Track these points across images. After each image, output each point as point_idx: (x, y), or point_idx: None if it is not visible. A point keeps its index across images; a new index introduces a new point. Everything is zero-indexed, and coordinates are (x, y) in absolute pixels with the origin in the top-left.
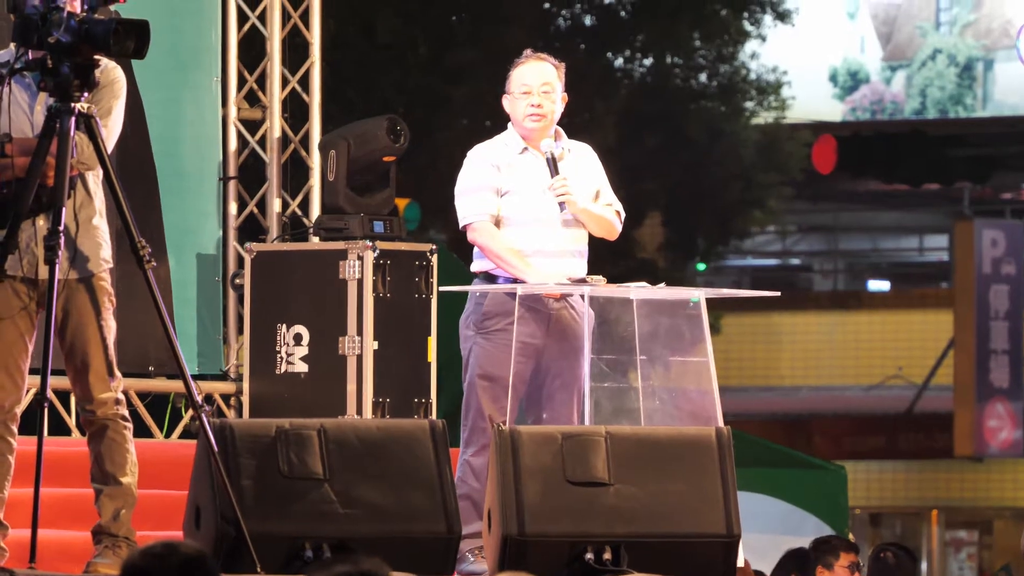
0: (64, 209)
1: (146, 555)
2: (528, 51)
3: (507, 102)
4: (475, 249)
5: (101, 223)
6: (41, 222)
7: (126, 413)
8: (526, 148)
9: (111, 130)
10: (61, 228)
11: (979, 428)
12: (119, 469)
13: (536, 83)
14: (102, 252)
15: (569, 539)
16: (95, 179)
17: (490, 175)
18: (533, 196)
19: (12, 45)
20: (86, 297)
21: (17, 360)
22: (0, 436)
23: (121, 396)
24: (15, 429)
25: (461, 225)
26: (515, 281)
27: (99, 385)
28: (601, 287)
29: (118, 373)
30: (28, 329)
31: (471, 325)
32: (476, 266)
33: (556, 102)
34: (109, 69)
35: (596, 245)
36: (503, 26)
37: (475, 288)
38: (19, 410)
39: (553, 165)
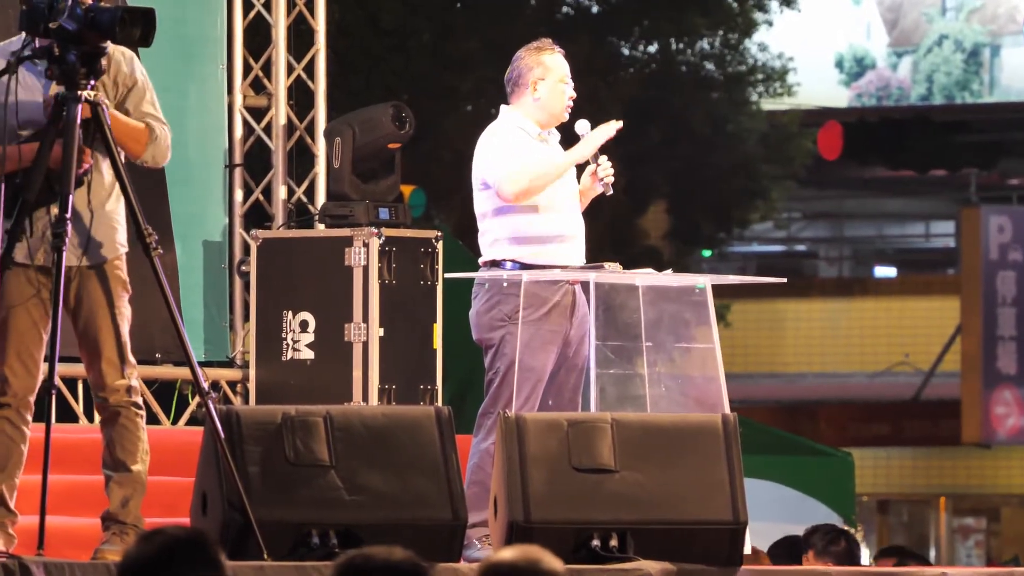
0: (73, 196)
1: (139, 542)
2: (547, 40)
3: (544, 88)
4: (489, 238)
5: (116, 206)
6: (56, 210)
7: (139, 401)
8: (540, 134)
9: (166, 126)
10: (68, 216)
11: (986, 415)
12: (129, 456)
13: (569, 74)
14: (117, 236)
15: (575, 526)
16: (108, 163)
17: (523, 148)
18: (557, 182)
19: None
20: (100, 284)
21: (31, 348)
22: (14, 425)
23: (135, 384)
24: (29, 418)
25: (496, 191)
26: (523, 267)
27: (111, 372)
28: (606, 273)
29: (132, 361)
30: (41, 318)
31: (503, 315)
32: (489, 255)
33: None
34: (126, 60)
35: (600, 233)
36: (507, 14)
37: (481, 275)
38: (32, 399)
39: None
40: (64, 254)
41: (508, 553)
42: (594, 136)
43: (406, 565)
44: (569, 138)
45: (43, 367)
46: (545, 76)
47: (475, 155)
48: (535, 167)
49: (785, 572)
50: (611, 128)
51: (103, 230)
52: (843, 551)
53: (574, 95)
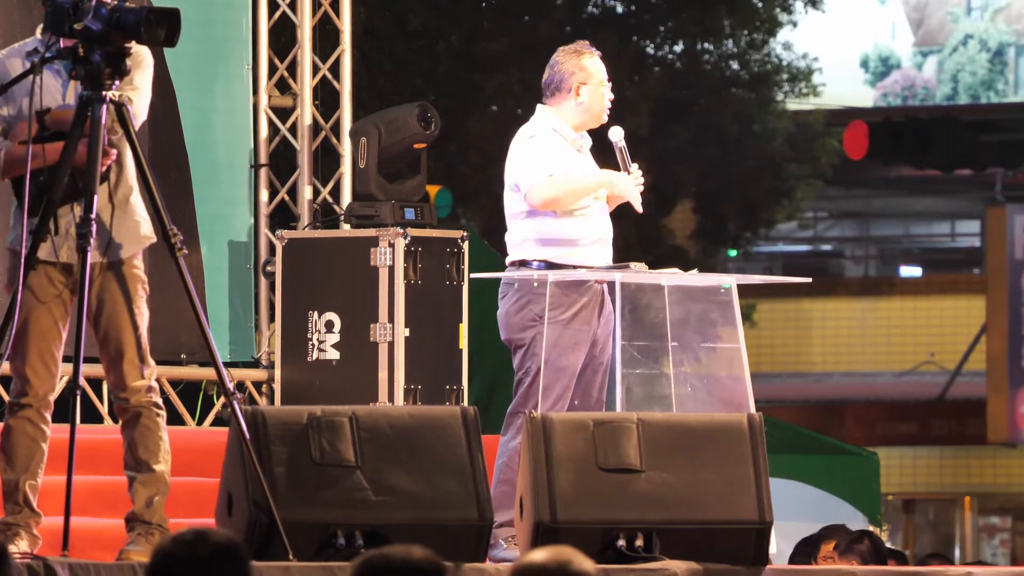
0: (97, 194)
1: (177, 542)
2: (586, 42)
3: (586, 92)
4: (518, 238)
5: (137, 200)
6: (79, 208)
7: (159, 400)
8: (574, 138)
9: (141, 100)
10: (93, 216)
11: (1012, 414)
12: (152, 456)
13: (607, 76)
14: (141, 230)
15: (601, 526)
16: (130, 156)
17: (558, 155)
18: None
19: (38, 32)
20: (119, 284)
21: (51, 347)
22: (33, 423)
23: (154, 384)
24: (48, 417)
25: (525, 195)
26: (548, 267)
27: (132, 373)
28: (632, 273)
29: (151, 361)
30: (62, 316)
31: (533, 315)
32: (514, 255)
33: None
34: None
35: (626, 233)
36: (533, 14)
37: (507, 275)
38: (52, 398)
39: (625, 155)
40: (88, 254)
41: (539, 554)
42: (627, 187)
43: (425, 564)
44: (600, 142)
45: (63, 366)
46: (587, 80)
47: (509, 155)
48: (569, 182)
49: (809, 571)
50: (637, 188)
51: (124, 227)
52: (867, 550)
53: (612, 97)
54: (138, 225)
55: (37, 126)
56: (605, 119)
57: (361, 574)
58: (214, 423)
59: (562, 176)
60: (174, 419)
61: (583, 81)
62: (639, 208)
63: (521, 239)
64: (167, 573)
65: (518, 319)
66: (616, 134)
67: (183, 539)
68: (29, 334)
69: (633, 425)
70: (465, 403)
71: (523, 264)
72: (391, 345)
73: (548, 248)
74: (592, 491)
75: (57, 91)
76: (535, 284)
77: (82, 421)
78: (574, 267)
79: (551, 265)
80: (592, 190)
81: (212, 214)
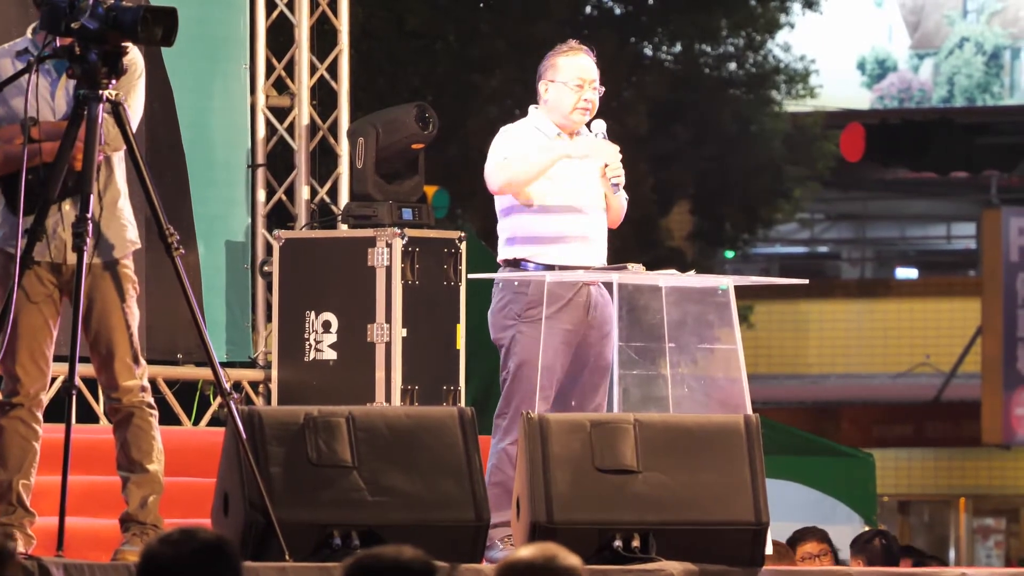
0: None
1: (164, 542)
2: (573, 41)
3: (553, 90)
4: (504, 237)
5: (125, 204)
6: (67, 207)
7: (151, 400)
8: (559, 135)
9: (134, 111)
10: (89, 215)
11: (1007, 416)
12: (145, 457)
13: (589, 77)
14: (127, 234)
15: (597, 526)
16: (118, 160)
17: (525, 144)
18: (568, 183)
19: (29, 31)
20: (111, 284)
21: (42, 346)
22: (25, 423)
23: (146, 383)
24: (40, 416)
25: (490, 186)
26: (545, 268)
27: (124, 373)
28: (629, 274)
29: (143, 360)
30: (52, 315)
31: (512, 314)
32: (504, 254)
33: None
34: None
35: (624, 234)
36: (531, 15)
37: (504, 276)
38: (44, 397)
39: None
40: (84, 254)
41: (525, 552)
42: (592, 145)
43: (416, 564)
44: None
45: (54, 366)
46: (555, 78)
47: None
48: (522, 160)
49: (807, 572)
50: (612, 153)
51: (114, 227)
52: (877, 550)
53: (591, 99)
54: (124, 229)
55: (24, 136)
56: (577, 119)
57: (352, 574)
58: (210, 423)
59: (516, 157)
60: (171, 419)
61: (551, 79)
62: (612, 190)
63: (504, 238)
64: (156, 574)
65: (500, 318)
66: (598, 126)
67: (170, 539)
68: (20, 333)
69: (630, 426)
70: (462, 404)
71: (511, 263)
72: (388, 345)
73: (533, 247)
74: (589, 492)
75: (46, 90)
76: (516, 283)
77: (78, 421)
78: (565, 267)
79: (540, 265)
80: (550, 161)
81: (209, 214)
